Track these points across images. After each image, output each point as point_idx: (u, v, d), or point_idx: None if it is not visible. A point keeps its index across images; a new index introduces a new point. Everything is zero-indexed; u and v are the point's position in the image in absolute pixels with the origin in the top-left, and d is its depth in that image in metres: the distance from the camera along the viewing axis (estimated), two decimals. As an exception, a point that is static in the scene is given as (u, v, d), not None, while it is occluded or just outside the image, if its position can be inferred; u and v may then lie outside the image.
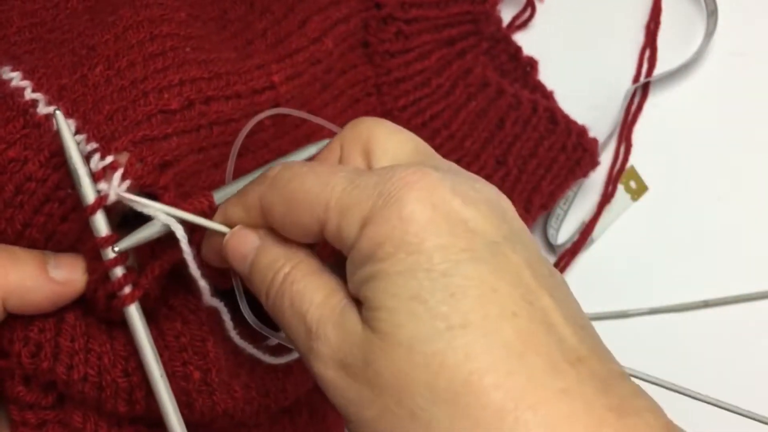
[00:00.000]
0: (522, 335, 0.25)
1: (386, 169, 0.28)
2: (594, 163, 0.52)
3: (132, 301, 0.32)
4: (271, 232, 0.31)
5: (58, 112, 0.32)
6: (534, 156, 0.50)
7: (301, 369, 0.39)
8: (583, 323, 0.27)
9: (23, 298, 0.32)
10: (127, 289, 0.32)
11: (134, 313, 0.32)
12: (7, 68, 0.34)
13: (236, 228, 0.32)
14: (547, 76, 0.55)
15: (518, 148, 0.50)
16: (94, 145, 0.32)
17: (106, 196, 0.32)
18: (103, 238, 0.32)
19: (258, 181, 0.31)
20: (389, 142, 0.31)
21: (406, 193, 0.26)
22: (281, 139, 0.41)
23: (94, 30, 0.36)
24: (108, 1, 0.39)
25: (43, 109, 0.33)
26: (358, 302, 0.28)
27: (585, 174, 0.52)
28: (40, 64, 0.35)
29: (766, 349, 0.53)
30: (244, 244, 0.32)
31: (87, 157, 0.32)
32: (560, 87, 0.55)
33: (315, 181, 0.29)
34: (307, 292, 0.29)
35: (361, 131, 0.32)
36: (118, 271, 0.32)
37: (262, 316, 0.35)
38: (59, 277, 0.33)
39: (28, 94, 0.33)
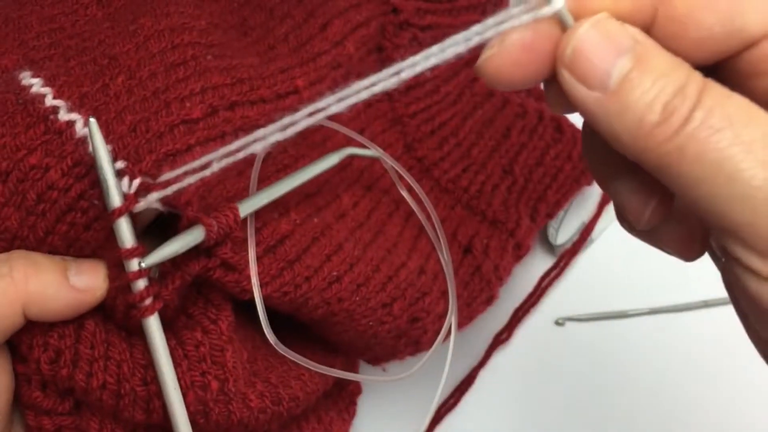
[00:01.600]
0: None
1: None
2: None
3: (152, 313, 0.32)
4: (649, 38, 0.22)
5: (92, 119, 0.32)
6: (540, 165, 0.50)
7: (312, 377, 0.39)
8: None
9: (44, 306, 0.32)
10: (148, 301, 0.32)
11: (153, 325, 0.33)
12: (27, 74, 0.34)
13: (599, 16, 0.22)
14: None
15: (524, 157, 0.50)
16: (120, 164, 0.32)
17: (132, 204, 0.32)
18: (128, 249, 0.32)
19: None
20: None
21: None
22: (300, 145, 0.41)
23: (115, 39, 0.36)
24: (127, 8, 0.39)
25: (64, 116, 0.33)
26: None
27: (590, 182, 0.53)
28: (60, 72, 0.35)
29: (766, 349, 0.53)
30: (609, 48, 0.21)
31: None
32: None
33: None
34: (744, 119, 0.20)
35: None
36: (141, 284, 0.32)
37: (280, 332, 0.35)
38: (80, 284, 0.32)
39: (49, 101, 0.33)
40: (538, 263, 0.54)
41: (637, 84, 0.21)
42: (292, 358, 0.37)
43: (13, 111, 0.33)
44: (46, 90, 0.33)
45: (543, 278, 0.54)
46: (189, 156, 0.34)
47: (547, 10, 0.22)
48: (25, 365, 0.33)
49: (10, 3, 0.39)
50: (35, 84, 0.34)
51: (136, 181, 0.32)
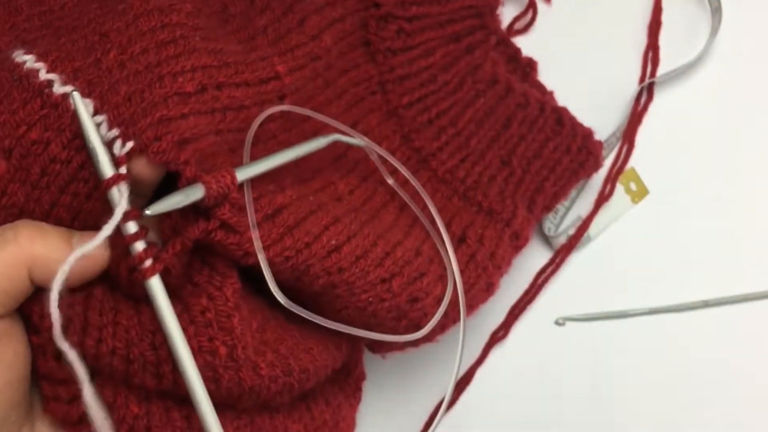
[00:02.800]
0: None
1: None
2: (598, 166, 0.52)
3: (152, 275, 0.33)
4: None
5: (75, 93, 0.33)
6: (539, 157, 0.50)
7: (322, 350, 0.40)
8: None
9: (49, 269, 0.32)
10: (148, 263, 0.33)
11: (156, 286, 0.33)
12: (20, 51, 0.35)
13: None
14: (549, 77, 0.55)
15: (523, 149, 0.50)
16: (115, 132, 0.33)
17: (125, 174, 0.33)
18: (123, 212, 0.32)
19: None
20: None
21: None
22: (289, 132, 0.41)
23: (104, 17, 0.37)
24: None
25: (59, 89, 0.33)
26: None
27: (588, 176, 0.52)
28: (52, 48, 0.35)
29: (766, 349, 0.53)
30: None
31: (109, 144, 0.33)
32: (562, 88, 0.54)
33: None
34: None
35: None
36: (139, 246, 0.33)
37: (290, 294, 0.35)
38: (82, 249, 0.33)
39: (43, 75, 0.34)
40: (534, 260, 0.54)
41: None
42: (303, 315, 0.37)
43: (9, 88, 0.34)
44: (39, 65, 0.34)
45: (539, 274, 0.54)
46: (184, 123, 0.34)
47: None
48: (38, 336, 0.34)
49: (-3, -14, 0.40)
50: (28, 60, 0.34)
51: (129, 144, 0.33)
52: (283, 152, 0.38)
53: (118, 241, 0.34)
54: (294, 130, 0.42)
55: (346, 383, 0.45)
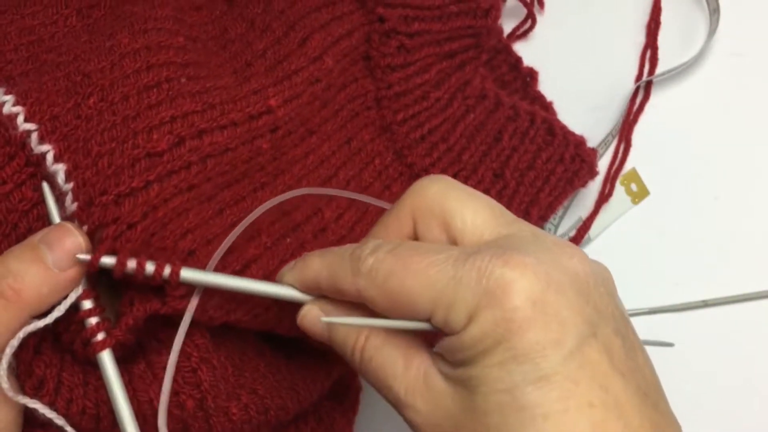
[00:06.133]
0: (596, 427, 0.28)
1: (483, 261, 0.30)
2: (593, 174, 0.52)
3: (102, 349, 0.33)
4: (334, 303, 0.33)
5: (44, 184, 0.34)
6: (531, 168, 0.50)
7: (310, 383, 0.40)
8: (648, 391, 0.30)
9: (46, 302, 0.32)
10: (100, 336, 0.33)
11: (105, 359, 0.33)
12: (1, 90, 0.35)
13: (305, 309, 0.34)
14: (548, 77, 0.55)
15: (516, 161, 0.50)
16: (74, 206, 0.34)
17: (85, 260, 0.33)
18: (80, 295, 0.33)
19: (351, 270, 0.32)
20: (465, 211, 0.32)
21: (508, 293, 0.29)
22: (279, 160, 0.41)
23: (90, 54, 0.36)
24: (107, 20, 0.39)
25: (37, 147, 0.34)
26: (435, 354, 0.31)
27: (584, 184, 0.52)
28: (33, 87, 0.35)
29: (766, 349, 0.53)
30: (315, 323, 0.34)
31: (71, 217, 0.34)
32: (561, 88, 0.55)
33: (415, 280, 0.30)
34: (387, 366, 0.31)
35: (433, 203, 0.33)
36: (91, 321, 0.33)
37: None
38: (63, 264, 0.33)
39: (21, 124, 0.34)
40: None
41: (335, 338, 0.33)
42: None
43: None
44: (18, 109, 0.34)
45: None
46: (145, 194, 0.34)
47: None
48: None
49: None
50: (7, 101, 0.34)
51: (83, 228, 0.33)
52: (243, 281, 0.35)
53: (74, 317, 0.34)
54: (284, 157, 0.41)
55: (343, 397, 0.45)
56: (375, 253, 0.31)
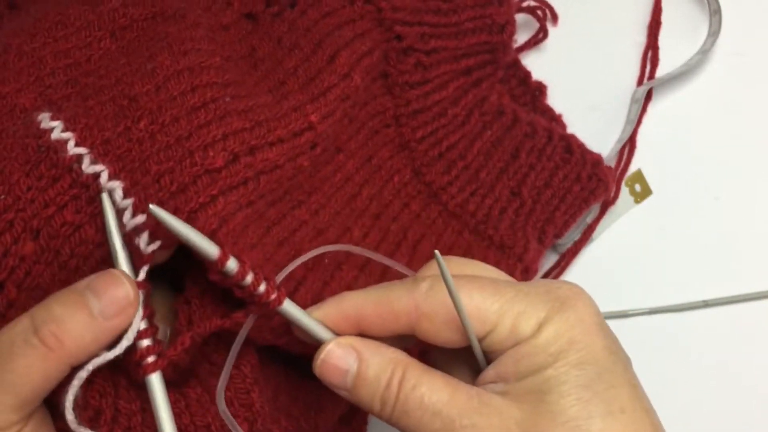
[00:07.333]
0: (653, 425, 0.32)
1: (547, 281, 0.34)
2: (608, 194, 0.52)
3: (152, 371, 0.32)
4: (364, 340, 0.33)
5: (104, 195, 0.32)
6: (548, 186, 0.50)
7: (335, 405, 0.40)
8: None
9: (89, 351, 0.31)
10: (150, 359, 0.32)
11: (154, 382, 0.32)
12: (46, 116, 0.33)
13: (331, 345, 0.33)
14: (548, 76, 0.55)
15: (533, 179, 0.50)
16: (140, 219, 0.32)
17: (143, 282, 0.32)
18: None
19: (407, 290, 0.33)
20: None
21: (580, 299, 0.33)
22: (313, 178, 0.41)
23: (132, 77, 0.36)
24: (141, 42, 0.39)
25: (89, 168, 0.32)
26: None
27: (598, 201, 0.52)
28: (80, 113, 0.34)
29: (766, 349, 0.53)
30: (343, 359, 0.33)
31: (133, 232, 0.32)
32: (562, 88, 0.55)
33: (483, 291, 0.32)
34: (434, 392, 0.32)
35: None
36: (144, 342, 0.32)
37: None
38: (110, 312, 0.31)
39: (72, 149, 0.32)
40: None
41: (366, 372, 0.32)
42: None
43: (36, 159, 0.32)
44: (68, 135, 0.33)
45: (544, 277, 0.54)
46: (212, 208, 0.34)
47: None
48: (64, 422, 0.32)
49: (19, 32, 0.38)
50: (56, 128, 0.33)
51: (157, 243, 0.32)
52: (313, 322, 0.34)
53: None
54: (317, 174, 0.41)
55: (350, 419, 0.45)
56: (432, 277, 0.33)
